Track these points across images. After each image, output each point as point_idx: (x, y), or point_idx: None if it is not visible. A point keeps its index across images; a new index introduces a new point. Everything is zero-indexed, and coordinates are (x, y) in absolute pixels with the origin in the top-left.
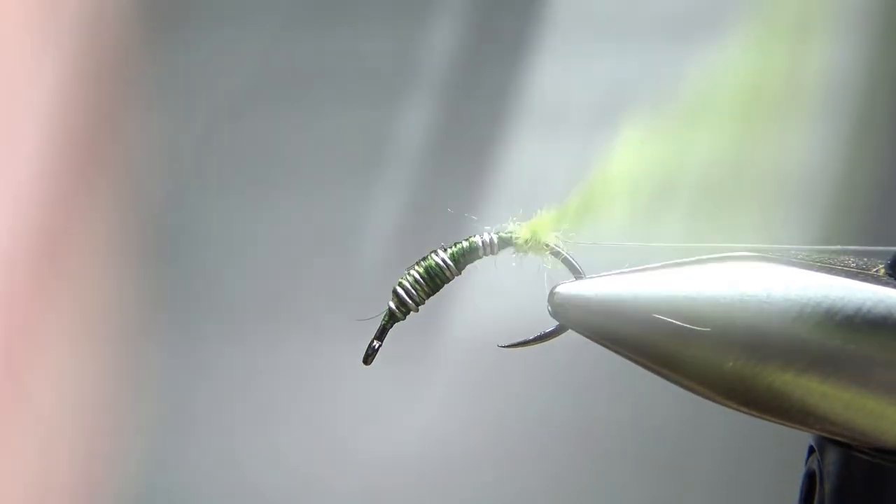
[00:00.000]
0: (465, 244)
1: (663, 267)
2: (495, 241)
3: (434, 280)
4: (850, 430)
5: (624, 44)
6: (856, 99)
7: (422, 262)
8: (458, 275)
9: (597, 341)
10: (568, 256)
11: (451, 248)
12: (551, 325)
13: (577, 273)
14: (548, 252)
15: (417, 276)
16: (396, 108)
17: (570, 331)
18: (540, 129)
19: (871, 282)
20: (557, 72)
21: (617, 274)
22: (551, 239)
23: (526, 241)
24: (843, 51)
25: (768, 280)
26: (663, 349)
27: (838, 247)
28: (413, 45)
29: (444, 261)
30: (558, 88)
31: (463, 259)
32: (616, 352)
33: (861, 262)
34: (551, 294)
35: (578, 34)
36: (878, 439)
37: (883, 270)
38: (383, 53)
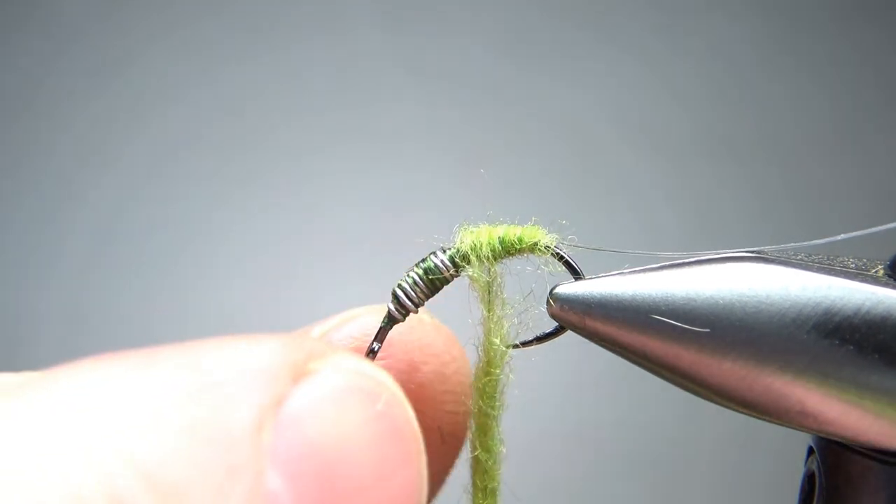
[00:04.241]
0: (464, 246)
1: (662, 268)
2: (496, 244)
3: (433, 282)
4: (850, 431)
5: None
6: None
7: (420, 264)
8: (456, 276)
9: (596, 342)
10: (569, 258)
11: (449, 249)
12: (551, 325)
13: (576, 274)
14: (549, 254)
15: (416, 278)
16: (406, 107)
17: (569, 331)
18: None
19: (870, 282)
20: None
21: (616, 275)
22: (550, 241)
23: (523, 244)
24: None
25: (767, 281)
26: (662, 350)
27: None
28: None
29: (442, 262)
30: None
31: (461, 261)
32: (615, 353)
33: (860, 263)
34: (551, 295)
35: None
36: (878, 440)
37: (882, 271)
38: (380, 55)
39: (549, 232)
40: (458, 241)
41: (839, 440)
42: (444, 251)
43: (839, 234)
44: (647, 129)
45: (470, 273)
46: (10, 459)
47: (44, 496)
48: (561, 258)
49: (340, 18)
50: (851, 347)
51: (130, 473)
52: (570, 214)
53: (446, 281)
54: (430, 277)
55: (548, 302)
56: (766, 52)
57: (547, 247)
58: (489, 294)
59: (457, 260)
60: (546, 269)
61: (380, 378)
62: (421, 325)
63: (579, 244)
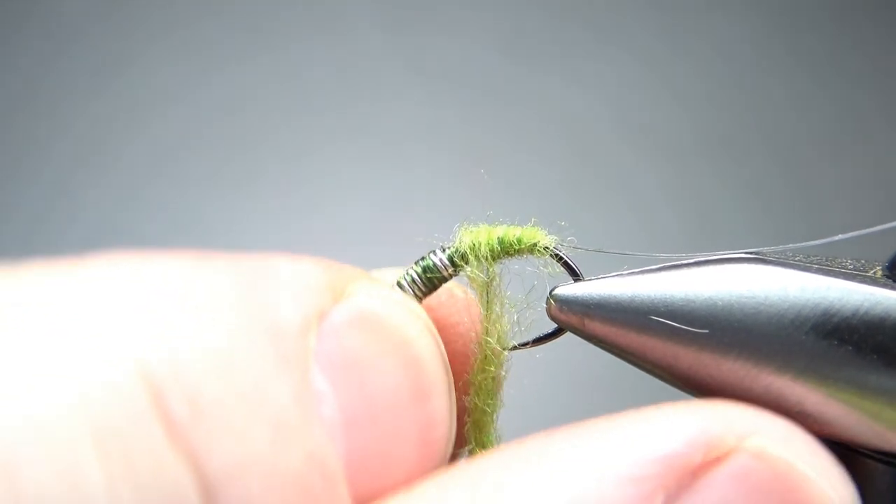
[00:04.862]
0: (463, 246)
1: (661, 269)
2: (495, 245)
3: (431, 280)
4: (850, 432)
5: None
6: None
7: (420, 262)
8: (455, 275)
9: (595, 344)
10: (568, 259)
11: (448, 248)
12: (551, 326)
13: (575, 276)
14: (548, 255)
15: (415, 276)
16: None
17: (567, 332)
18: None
19: (868, 283)
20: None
21: (615, 276)
22: (549, 242)
23: (522, 245)
24: None
25: (766, 282)
26: (661, 351)
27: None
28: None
29: (441, 261)
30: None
31: (460, 260)
32: (614, 354)
33: (858, 264)
34: (550, 297)
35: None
36: (877, 441)
37: (880, 272)
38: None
39: (549, 233)
40: (457, 240)
41: (840, 441)
42: (444, 250)
43: (839, 234)
44: (647, 129)
45: (468, 273)
46: (59, 338)
47: (111, 371)
48: (560, 259)
49: (340, 18)
50: (850, 348)
51: (188, 352)
52: (570, 214)
53: (445, 280)
54: (429, 276)
55: (547, 303)
56: (766, 52)
57: (546, 248)
58: (487, 294)
59: (455, 259)
60: (545, 270)
61: (413, 309)
62: (452, 301)
63: (579, 246)
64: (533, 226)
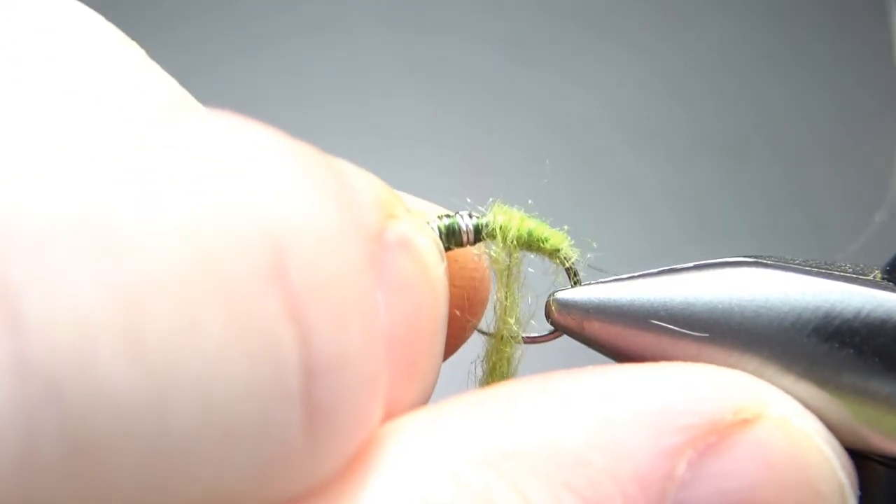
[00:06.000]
0: (494, 223)
1: (661, 273)
2: (524, 234)
3: (449, 240)
4: (850, 436)
5: None
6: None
7: (444, 218)
8: (472, 244)
9: (595, 348)
10: (580, 279)
11: (479, 218)
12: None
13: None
14: (564, 266)
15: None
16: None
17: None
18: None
19: (868, 286)
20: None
21: (614, 280)
22: (572, 255)
23: (546, 245)
24: None
25: (766, 285)
26: (661, 355)
27: None
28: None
29: (467, 227)
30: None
31: (486, 236)
32: (614, 358)
33: (857, 268)
34: (550, 301)
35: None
36: (879, 445)
37: (879, 276)
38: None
39: (573, 244)
40: (489, 214)
41: (842, 444)
42: (472, 216)
43: (840, 234)
44: (647, 129)
45: (490, 252)
46: (198, 186)
47: (241, 221)
48: (575, 275)
49: (341, 17)
50: (851, 351)
51: (306, 224)
52: (568, 213)
53: (461, 244)
54: (449, 234)
55: (547, 307)
56: (766, 52)
57: (566, 258)
58: (508, 276)
59: (482, 233)
60: (554, 277)
61: (443, 252)
62: (466, 259)
63: (596, 266)
64: (563, 232)
